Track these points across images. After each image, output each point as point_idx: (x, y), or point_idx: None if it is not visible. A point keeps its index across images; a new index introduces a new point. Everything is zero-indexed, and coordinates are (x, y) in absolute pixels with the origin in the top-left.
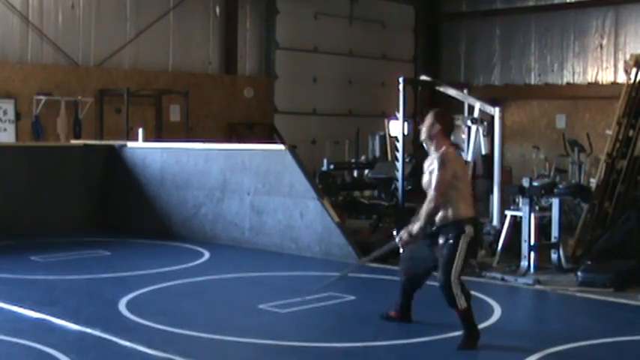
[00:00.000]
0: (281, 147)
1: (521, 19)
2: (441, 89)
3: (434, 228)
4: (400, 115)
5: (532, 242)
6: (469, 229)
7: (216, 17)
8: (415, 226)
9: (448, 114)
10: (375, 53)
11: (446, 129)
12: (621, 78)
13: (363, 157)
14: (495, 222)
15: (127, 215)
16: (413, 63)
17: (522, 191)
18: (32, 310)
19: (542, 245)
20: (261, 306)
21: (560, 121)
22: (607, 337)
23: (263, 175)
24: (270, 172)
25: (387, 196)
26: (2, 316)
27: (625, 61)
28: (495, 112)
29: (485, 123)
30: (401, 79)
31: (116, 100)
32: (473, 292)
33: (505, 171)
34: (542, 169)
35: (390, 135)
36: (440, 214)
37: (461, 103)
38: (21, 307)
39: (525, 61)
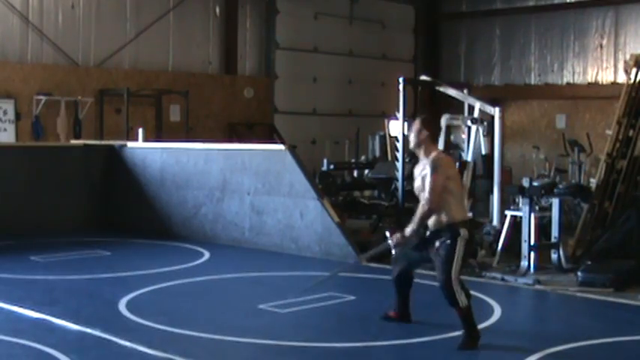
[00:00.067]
0: (281, 147)
1: (521, 19)
2: (441, 89)
3: (428, 233)
4: (400, 115)
5: (532, 242)
6: (464, 232)
7: (216, 17)
8: (408, 229)
9: (434, 119)
10: (375, 53)
11: (433, 134)
12: (621, 78)
13: (363, 157)
14: (495, 222)
15: (127, 215)
16: (413, 63)
17: (522, 191)
18: (32, 310)
19: (542, 245)
20: (261, 306)
21: (560, 121)
22: (607, 337)
23: (263, 175)
24: (270, 172)
25: (387, 196)
26: (2, 316)
27: (625, 61)
28: (495, 112)
29: (485, 123)
30: (401, 79)
31: (116, 100)
32: (473, 292)
33: (505, 171)
34: (542, 169)
35: (390, 135)
36: (434, 218)
37: (461, 103)
38: (21, 307)
39: (525, 61)
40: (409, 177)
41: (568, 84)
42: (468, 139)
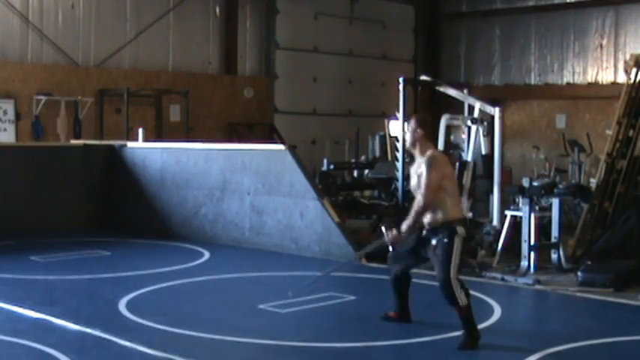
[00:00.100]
0: (281, 147)
1: (521, 19)
2: (441, 89)
3: (424, 232)
4: (400, 115)
5: (532, 242)
6: (461, 230)
7: (216, 17)
8: (404, 225)
9: (429, 118)
10: (375, 53)
11: (428, 133)
12: (621, 78)
13: (363, 157)
14: (495, 222)
15: (127, 215)
16: (413, 63)
17: (522, 191)
18: (32, 310)
19: (542, 245)
20: (261, 306)
21: (560, 121)
22: (607, 337)
23: (263, 175)
24: (270, 172)
25: (387, 196)
26: (2, 316)
27: (625, 61)
28: (495, 112)
29: (485, 123)
30: (401, 79)
31: (116, 100)
32: (473, 292)
33: (505, 171)
34: (542, 169)
35: (390, 135)
36: (430, 217)
37: (461, 103)
38: (21, 307)
39: (525, 61)
40: (409, 177)
41: (568, 84)
42: (468, 139)
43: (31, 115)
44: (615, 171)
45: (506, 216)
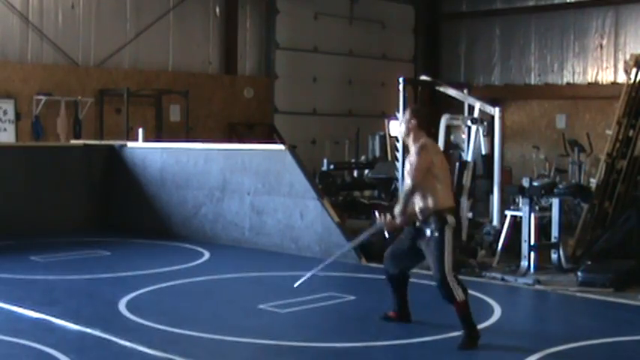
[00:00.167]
0: (281, 147)
1: (521, 19)
2: (441, 89)
3: (417, 223)
4: (400, 115)
5: (532, 242)
6: (451, 219)
7: (216, 17)
8: (396, 209)
9: (424, 109)
10: (375, 53)
11: (421, 123)
12: (621, 78)
13: (363, 157)
14: (495, 222)
15: (127, 215)
16: (413, 63)
17: (522, 191)
18: (32, 310)
19: (542, 245)
20: (261, 306)
21: (560, 121)
22: (607, 337)
23: (263, 175)
24: (270, 172)
25: (387, 196)
26: (2, 316)
27: (625, 61)
28: (495, 112)
29: (485, 123)
30: (401, 79)
31: (116, 100)
32: (473, 292)
33: (505, 171)
34: (542, 169)
35: (390, 135)
36: (421, 205)
37: (461, 103)
38: (21, 307)
39: (525, 61)
40: None
41: (568, 84)
42: (468, 139)
43: (31, 115)
44: (615, 171)
45: (506, 216)
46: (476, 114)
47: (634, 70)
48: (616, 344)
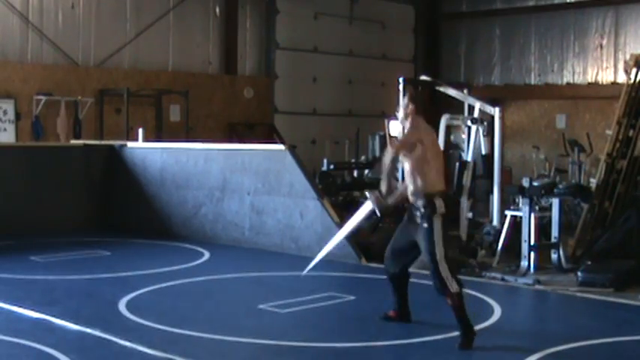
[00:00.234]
0: (281, 147)
1: (521, 19)
2: (441, 89)
3: (408, 210)
4: (400, 115)
5: (532, 242)
6: (439, 203)
7: (216, 17)
8: (382, 186)
9: (420, 95)
10: (375, 53)
11: (418, 108)
12: (621, 78)
13: (363, 157)
14: (495, 222)
15: (127, 215)
16: (413, 63)
17: (522, 191)
18: (32, 310)
19: (542, 245)
20: (261, 306)
21: (560, 121)
22: (607, 337)
23: (263, 175)
24: (270, 172)
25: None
26: (2, 316)
27: (625, 61)
28: (495, 112)
29: (485, 123)
30: (401, 79)
31: (116, 100)
32: (473, 292)
33: (505, 171)
34: (542, 169)
35: (390, 135)
36: (411, 188)
37: (461, 103)
38: (21, 307)
39: (525, 61)
40: None
41: (568, 84)
42: (468, 139)
43: (31, 115)
44: (615, 171)
45: (506, 216)
46: (476, 114)
47: (634, 70)
48: (616, 344)
